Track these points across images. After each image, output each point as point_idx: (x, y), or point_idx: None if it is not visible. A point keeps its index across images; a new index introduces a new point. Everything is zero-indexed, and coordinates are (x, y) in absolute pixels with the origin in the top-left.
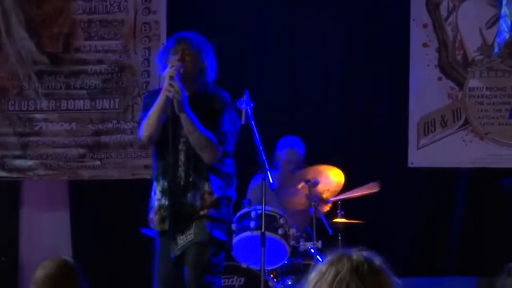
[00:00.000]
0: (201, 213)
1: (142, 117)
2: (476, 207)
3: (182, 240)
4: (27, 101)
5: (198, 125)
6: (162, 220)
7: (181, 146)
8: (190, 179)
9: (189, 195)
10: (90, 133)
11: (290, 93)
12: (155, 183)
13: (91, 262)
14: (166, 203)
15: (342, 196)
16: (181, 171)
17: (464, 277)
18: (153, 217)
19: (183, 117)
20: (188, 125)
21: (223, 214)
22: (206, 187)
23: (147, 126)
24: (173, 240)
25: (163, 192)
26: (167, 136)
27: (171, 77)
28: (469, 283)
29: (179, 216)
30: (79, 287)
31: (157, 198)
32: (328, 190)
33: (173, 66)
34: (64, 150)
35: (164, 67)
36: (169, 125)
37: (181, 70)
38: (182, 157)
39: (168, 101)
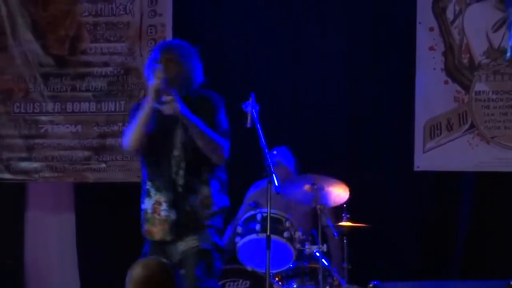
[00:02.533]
0: (204, 222)
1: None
2: (481, 210)
3: (182, 246)
4: (33, 103)
5: (204, 128)
6: (169, 230)
7: (176, 152)
8: (190, 185)
9: (190, 201)
10: (96, 135)
11: (293, 96)
12: (153, 195)
13: (96, 265)
14: (172, 214)
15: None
16: (179, 178)
17: (469, 281)
18: (152, 228)
19: (187, 123)
20: (194, 129)
21: (220, 223)
22: (206, 191)
23: (132, 137)
24: (170, 247)
25: (167, 202)
26: (160, 146)
27: (157, 90)
28: (474, 287)
29: (182, 225)
30: None
31: (163, 209)
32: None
33: (158, 78)
34: (69, 152)
35: (151, 78)
36: (160, 135)
37: (162, 76)
38: (181, 164)
39: (154, 111)
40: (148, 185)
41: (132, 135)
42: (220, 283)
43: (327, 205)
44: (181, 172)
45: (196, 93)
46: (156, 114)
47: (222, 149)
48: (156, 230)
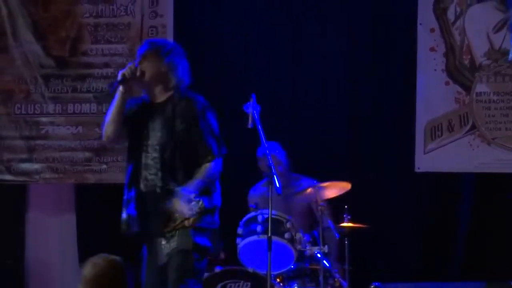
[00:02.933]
0: (185, 223)
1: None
2: (482, 211)
3: (166, 248)
4: (34, 105)
5: (206, 181)
6: (136, 225)
7: (154, 153)
8: (168, 187)
9: (167, 202)
10: (97, 136)
11: (293, 96)
12: (128, 190)
13: None
14: (143, 211)
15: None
16: (156, 179)
17: (469, 282)
18: (125, 222)
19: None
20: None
21: (208, 222)
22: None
23: (107, 127)
24: (159, 248)
25: (137, 199)
26: (138, 143)
27: (124, 76)
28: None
29: (159, 223)
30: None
31: (135, 206)
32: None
33: (130, 67)
34: (70, 153)
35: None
36: (140, 132)
37: (131, 71)
38: (157, 164)
39: (128, 101)
40: (129, 182)
41: (106, 125)
42: (221, 284)
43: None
44: (159, 174)
45: (182, 94)
46: (138, 113)
47: (218, 167)
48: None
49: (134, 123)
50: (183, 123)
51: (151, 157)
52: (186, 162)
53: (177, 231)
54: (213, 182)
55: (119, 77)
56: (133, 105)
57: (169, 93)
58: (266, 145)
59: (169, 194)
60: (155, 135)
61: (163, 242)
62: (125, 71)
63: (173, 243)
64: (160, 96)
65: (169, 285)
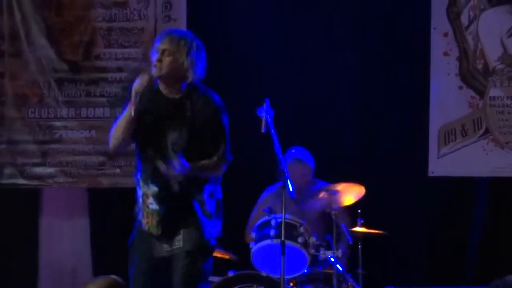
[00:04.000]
0: (193, 223)
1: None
2: (496, 216)
3: (167, 244)
4: (47, 109)
5: (204, 169)
6: (156, 225)
7: (171, 149)
8: (183, 185)
9: (182, 200)
10: None
11: (307, 102)
12: (142, 187)
13: (110, 270)
14: (159, 208)
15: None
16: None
17: (483, 287)
18: (144, 220)
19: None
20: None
21: (210, 226)
22: (198, 192)
23: (113, 140)
24: (156, 242)
25: (154, 197)
26: (153, 139)
27: (137, 93)
28: None
29: (171, 222)
30: None
31: (150, 202)
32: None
33: (142, 82)
34: (83, 157)
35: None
36: (155, 128)
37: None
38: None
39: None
40: (139, 175)
41: (114, 136)
42: None
43: (343, 205)
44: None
45: (200, 92)
46: (150, 111)
47: (218, 170)
48: (144, 222)
49: (147, 124)
50: (200, 122)
51: (170, 155)
52: (200, 160)
53: (182, 230)
54: (213, 177)
55: (134, 94)
56: (145, 102)
57: (186, 89)
58: (279, 149)
59: (186, 192)
60: (178, 133)
61: (167, 238)
62: (137, 87)
63: (178, 242)
64: (175, 90)
65: (174, 287)
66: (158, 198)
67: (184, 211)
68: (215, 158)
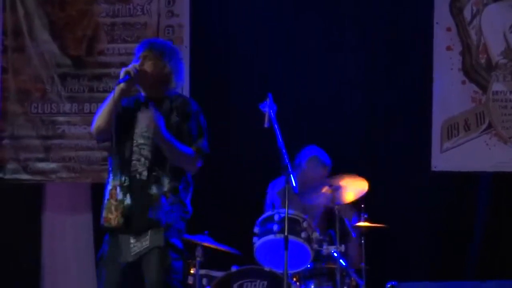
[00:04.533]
0: (163, 218)
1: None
2: (499, 211)
3: (137, 247)
4: (50, 104)
5: (176, 145)
6: (121, 216)
7: (143, 140)
8: (153, 174)
9: (151, 190)
10: None
11: (310, 97)
12: (110, 182)
13: None
14: (125, 198)
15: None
16: (141, 166)
17: (486, 281)
18: (109, 214)
19: (160, 139)
20: (165, 146)
21: (181, 225)
22: (170, 185)
23: (97, 122)
24: (126, 246)
25: (121, 187)
26: (122, 130)
27: (127, 72)
28: (490, 287)
29: (137, 212)
30: None
31: (117, 193)
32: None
33: (134, 66)
34: (86, 153)
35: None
36: (125, 120)
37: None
38: (144, 152)
39: (123, 95)
40: (110, 171)
41: (99, 117)
42: (237, 283)
43: (346, 201)
44: (145, 161)
45: (175, 94)
46: (127, 100)
47: (192, 162)
48: (112, 217)
49: (122, 116)
50: (178, 116)
51: (136, 143)
52: None
53: (149, 230)
54: (180, 156)
55: (123, 75)
56: (126, 102)
57: (164, 94)
58: (282, 144)
59: (154, 181)
60: (146, 123)
61: (132, 240)
62: (130, 68)
63: (145, 242)
64: (157, 95)
65: (148, 286)
66: (125, 188)
67: (151, 202)
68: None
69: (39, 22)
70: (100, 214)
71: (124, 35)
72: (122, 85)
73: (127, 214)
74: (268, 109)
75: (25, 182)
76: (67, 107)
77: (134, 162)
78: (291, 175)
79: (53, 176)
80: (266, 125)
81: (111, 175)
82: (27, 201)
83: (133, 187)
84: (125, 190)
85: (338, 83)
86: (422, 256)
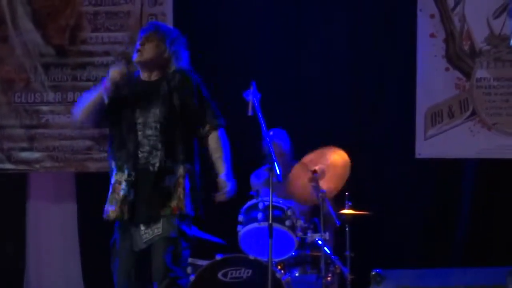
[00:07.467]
0: (175, 206)
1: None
2: (483, 197)
3: (148, 234)
4: (34, 93)
5: (229, 159)
6: (128, 210)
7: (149, 131)
8: (166, 165)
9: (165, 181)
10: None
11: (295, 84)
12: (115, 175)
13: (98, 254)
14: (132, 192)
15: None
16: (153, 158)
17: (470, 268)
18: (115, 208)
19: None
20: None
21: (191, 211)
22: (182, 172)
23: (81, 111)
24: (136, 233)
25: (127, 181)
26: (128, 124)
27: (113, 79)
28: (475, 274)
29: (145, 206)
30: None
31: (122, 188)
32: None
33: (120, 69)
34: (70, 142)
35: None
36: (130, 113)
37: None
38: (152, 142)
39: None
40: (114, 165)
41: (81, 110)
42: (222, 271)
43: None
44: (154, 152)
45: (175, 70)
46: (133, 86)
47: (225, 138)
48: (116, 211)
49: (121, 107)
50: (180, 97)
51: (144, 135)
52: (185, 137)
53: (161, 218)
54: (189, 155)
55: (110, 78)
56: (122, 89)
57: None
58: (266, 133)
59: (167, 172)
60: (153, 112)
61: (142, 227)
62: (115, 74)
63: (157, 230)
64: (155, 77)
65: (155, 273)
66: (131, 182)
67: (164, 192)
68: (207, 128)
69: (22, 11)
70: (103, 207)
71: (107, 24)
72: (108, 84)
73: (132, 209)
74: (252, 97)
75: (9, 172)
76: (50, 96)
77: (143, 154)
78: (275, 163)
79: (37, 165)
80: (249, 113)
81: (114, 168)
82: (11, 190)
83: (144, 180)
84: (131, 184)
85: (321, 71)
86: (407, 243)
